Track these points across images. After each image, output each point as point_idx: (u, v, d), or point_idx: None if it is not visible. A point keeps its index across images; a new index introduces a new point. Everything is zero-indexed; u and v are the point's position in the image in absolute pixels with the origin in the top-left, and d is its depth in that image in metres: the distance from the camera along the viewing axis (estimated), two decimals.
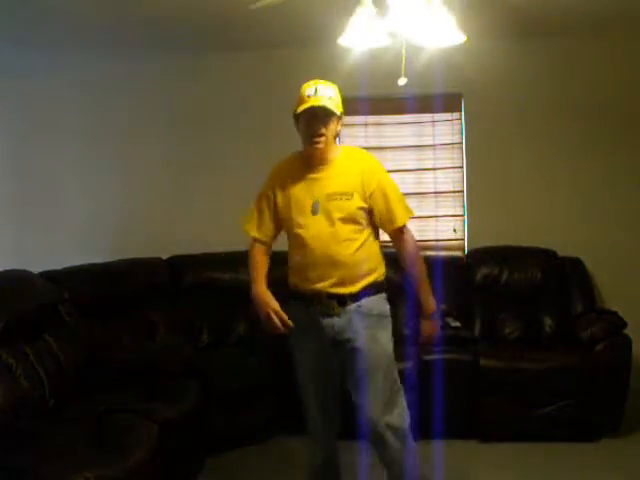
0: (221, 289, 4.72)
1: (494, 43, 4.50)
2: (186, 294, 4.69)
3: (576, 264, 4.61)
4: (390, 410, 2.73)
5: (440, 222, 4.99)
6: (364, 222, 2.73)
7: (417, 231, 4.95)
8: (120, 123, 5.15)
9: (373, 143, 4.97)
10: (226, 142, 5.08)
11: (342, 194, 2.68)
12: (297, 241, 2.75)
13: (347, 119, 4.98)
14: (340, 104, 2.72)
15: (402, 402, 2.80)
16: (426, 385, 3.91)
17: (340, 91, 2.78)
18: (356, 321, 2.68)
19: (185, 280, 4.73)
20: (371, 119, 4.98)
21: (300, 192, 2.74)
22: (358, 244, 2.70)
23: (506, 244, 4.69)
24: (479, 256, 4.72)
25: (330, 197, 2.68)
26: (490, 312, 4.53)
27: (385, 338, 2.77)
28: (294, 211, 2.74)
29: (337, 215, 2.67)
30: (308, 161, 2.76)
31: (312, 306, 2.71)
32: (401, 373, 3.89)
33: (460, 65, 4.15)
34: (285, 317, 2.70)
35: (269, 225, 2.86)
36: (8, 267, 3.70)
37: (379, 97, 4.79)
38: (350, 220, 2.69)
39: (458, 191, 4.97)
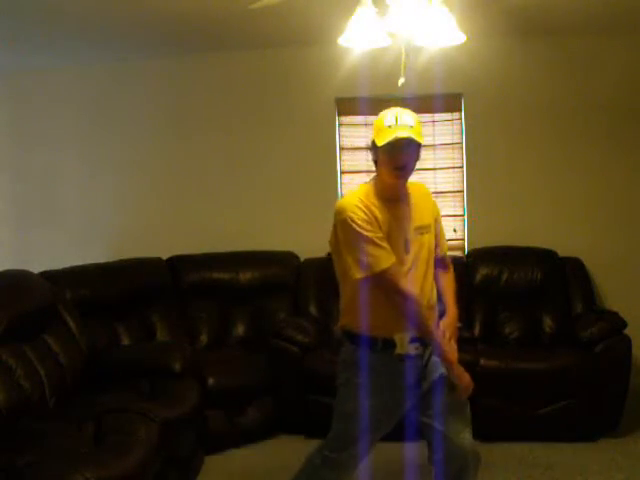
0: (221, 289, 4.72)
1: (494, 43, 4.50)
2: (186, 294, 4.69)
3: (576, 264, 4.60)
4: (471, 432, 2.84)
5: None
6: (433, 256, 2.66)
7: None
8: (120, 123, 5.15)
9: None
10: (226, 142, 5.08)
11: (426, 227, 2.60)
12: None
13: (347, 119, 5.05)
14: (421, 130, 2.50)
15: None
16: None
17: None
18: (432, 358, 2.61)
19: (185, 280, 4.73)
20: (371, 119, 4.95)
21: (390, 227, 2.50)
22: (433, 281, 2.64)
23: (506, 244, 4.69)
24: (479, 256, 4.71)
25: (419, 232, 2.57)
26: (490, 312, 4.53)
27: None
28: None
29: (426, 249, 2.58)
30: (389, 194, 2.53)
31: (389, 350, 2.55)
32: None
33: (460, 65, 4.15)
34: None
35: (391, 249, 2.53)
36: (8, 267, 3.70)
37: (379, 97, 4.78)
38: (433, 256, 2.63)
39: (458, 191, 4.97)
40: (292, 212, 4.88)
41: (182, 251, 4.87)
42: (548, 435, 3.93)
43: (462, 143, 4.93)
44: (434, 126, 4.97)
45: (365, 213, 2.47)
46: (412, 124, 2.45)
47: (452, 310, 2.68)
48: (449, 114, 4.94)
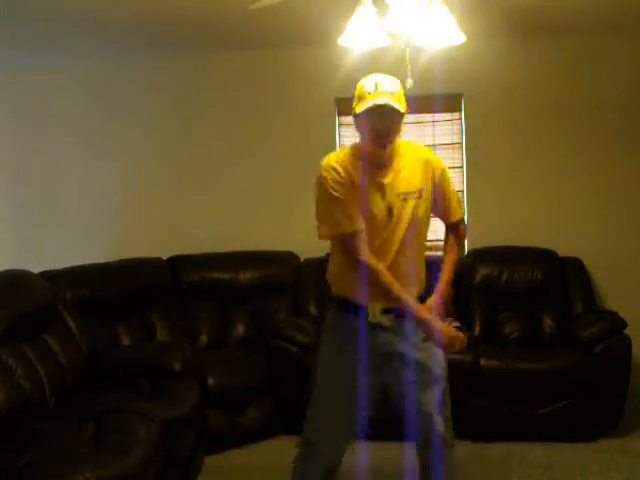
0: (221, 289, 4.72)
1: (494, 43, 4.50)
2: (186, 294, 4.69)
3: (576, 264, 4.60)
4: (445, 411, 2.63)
5: (440, 222, 4.97)
6: (427, 225, 2.63)
7: None
8: (120, 123, 5.15)
9: None
10: (226, 142, 5.08)
11: (414, 192, 2.51)
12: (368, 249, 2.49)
13: (347, 119, 5.04)
14: (403, 98, 2.44)
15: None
16: None
17: (403, 88, 2.50)
18: (411, 332, 2.54)
19: (185, 280, 4.73)
20: None
21: (369, 196, 2.48)
22: (423, 250, 2.61)
23: (506, 244, 4.69)
24: (479, 256, 4.71)
25: (403, 198, 2.50)
26: (490, 312, 4.53)
27: (439, 352, 2.60)
28: (365, 217, 2.48)
29: (413, 216, 2.51)
30: (371, 161, 2.50)
31: (362, 318, 2.53)
32: None
33: (460, 65, 4.15)
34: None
35: (359, 215, 2.49)
36: (8, 267, 3.70)
37: None
38: (424, 218, 2.57)
39: (458, 191, 4.96)
40: (292, 212, 4.87)
41: (182, 251, 4.87)
42: (548, 435, 3.93)
43: (462, 143, 4.93)
44: (434, 126, 4.96)
45: (339, 174, 2.47)
46: (393, 91, 2.41)
47: (440, 287, 2.60)
48: (449, 114, 4.94)
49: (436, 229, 5.07)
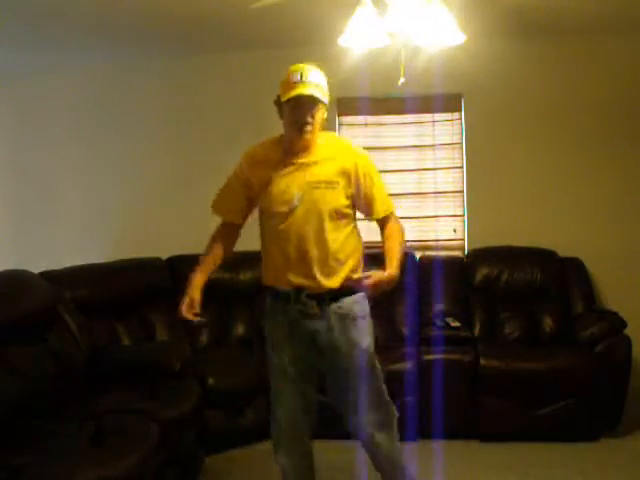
0: (221, 289, 4.72)
1: (494, 43, 4.50)
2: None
3: (576, 264, 4.61)
4: (378, 410, 2.67)
5: (440, 222, 4.99)
6: (348, 213, 2.63)
7: (417, 231, 4.97)
8: (120, 123, 5.16)
9: (373, 143, 4.97)
10: (226, 142, 5.07)
11: (327, 182, 2.57)
12: (275, 233, 2.62)
13: (347, 119, 5.05)
14: (327, 91, 2.59)
15: (388, 400, 2.71)
16: (426, 385, 3.92)
17: (327, 78, 2.64)
18: (336, 323, 2.59)
19: (185, 280, 4.71)
20: (371, 119, 4.99)
21: (281, 180, 2.60)
22: (342, 238, 2.59)
23: (506, 244, 4.69)
24: (479, 256, 4.72)
25: (314, 186, 2.56)
26: (490, 312, 4.53)
27: (366, 340, 2.65)
28: (274, 200, 2.60)
29: (321, 206, 2.56)
30: (290, 148, 2.62)
31: (290, 305, 2.61)
32: (401, 373, 3.95)
33: (460, 65, 4.14)
34: (195, 307, 2.72)
35: (240, 204, 2.75)
36: (8, 267, 3.70)
37: (379, 97, 4.79)
38: (334, 211, 2.57)
39: (458, 191, 4.97)
40: None
41: (182, 251, 4.87)
42: (548, 435, 3.93)
43: (462, 143, 4.93)
44: (434, 126, 4.97)
45: (249, 158, 2.72)
46: (318, 82, 2.53)
47: (387, 268, 2.58)
48: (449, 114, 4.94)
49: (437, 228, 5.13)
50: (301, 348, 2.65)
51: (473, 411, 3.99)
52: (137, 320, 4.39)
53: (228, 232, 2.88)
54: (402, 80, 2.72)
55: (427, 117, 4.95)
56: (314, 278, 2.57)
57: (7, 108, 5.29)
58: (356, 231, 2.71)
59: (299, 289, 2.59)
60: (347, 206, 2.61)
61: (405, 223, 5.20)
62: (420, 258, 4.77)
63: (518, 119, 4.81)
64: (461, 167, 4.94)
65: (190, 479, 3.51)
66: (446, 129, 4.97)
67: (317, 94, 2.51)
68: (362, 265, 2.68)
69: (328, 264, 2.57)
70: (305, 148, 2.61)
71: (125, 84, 5.12)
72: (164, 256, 4.79)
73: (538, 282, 4.53)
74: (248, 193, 2.71)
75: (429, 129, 4.97)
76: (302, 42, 4.59)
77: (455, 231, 4.99)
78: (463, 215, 4.97)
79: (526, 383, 3.96)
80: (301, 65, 2.56)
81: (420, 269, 4.64)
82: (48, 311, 3.59)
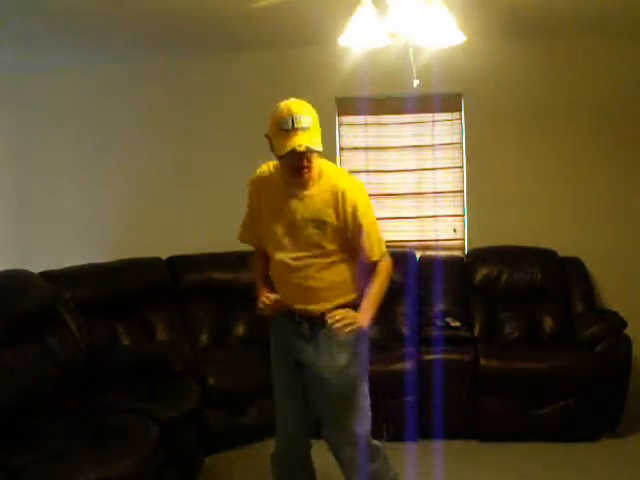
0: (221, 289, 4.72)
1: (494, 43, 4.50)
2: (186, 294, 4.69)
3: (576, 264, 4.61)
4: (346, 430, 2.67)
5: (440, 222, 4.99)
6: (335, 250, 2.60)
7: (417, 231, 4.97)
8: (120, 123, 5.15)
9: (373, 143, 4.97)
10: (226, 142, 5.08)
11: (316, 221, 2.56)
12: (273, 259, 2.70)
13: (347, 119, 5.04)
14: (318, 127, 2.50)
15: (360, 414, 2.68)
16: (426, 385, 3.92)
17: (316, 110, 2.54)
18: (324, 347, 2.62)
19: (185, 280, 4.73)
20: (371, 119, 4.99)
21: (277, 213, 2.63)
22: (331, 274, 2.60)
23: (506, 244, 4.69)
24: (479, 256, 4.72)
25: (304, 222, 2.57)
26: (490, 312, 4.53)
27: (350, 363, 2.64)
28: (271, 231, 2.65)
29: (306, 241, 2.57)
30: (287, 181, 2.62)
31: (290, 323, 2.69)
32: (401, 373, 3.96)
33: (460, 65, 4.15)
34: (271, 299, 2.66)
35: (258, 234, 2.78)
36: (8, 267, 3.70)
37: (379, 97, 4.79)
38: (317, 246, 2.57)
39: (458, 191, 4.97)
40: None
41: (182, 251, 4.87)
42: (548, 435, 3.93)
43: (462, 143, 4.93)
44: (434, 126, 4.97)
45: (253, 190, 2.74)
46: (309, 125, 2.44)
47: (359, 313, 2.57)
48: (449, 114, 4.94)
49: (436, 228, 5.13)
50: (293, 363, 2.73)
51: (473, 411, 3.99)
52: (137, 320, 4.40)
53: (260, 253, 2.84)
54: (417, 82, 2.71)
55: (427, 117, 4.95)
56: (305, 304, 2.63)
57: (7, 108, 5.28)
58: (348, 261, 2.65)
59: (293, 310, 2.66)
60: (334, 245, 2.59)
61: (405, 223, 5.19)
62: (420, 258, 4.77)
63: (518, 119, 4.80)
64: (461, 167, 4.94)
65: (190, 479, 3.52)
66: (446, 129, 4.97)
67: (312, 145, 2.43)
68: (355, 294, 2.65)
69: (317, 295, 2.61)
70: (305, 182, 2.58)
71: (125, 84, 5.12)
72: (164, 256, 4.79)
73: (538, 282, 4.53)
74: (256, 217, 2.77)
75: (429, 129, 4.97)
76: (302, 42, 4.60)
77: (455, 231, 4.99)
78: (463, 215, 4.97)
79: (526, 383, 3.96)
80: (289, 105, 2.49)
81: (420, 269, 4.65)
82: (48, 311, 3.59)
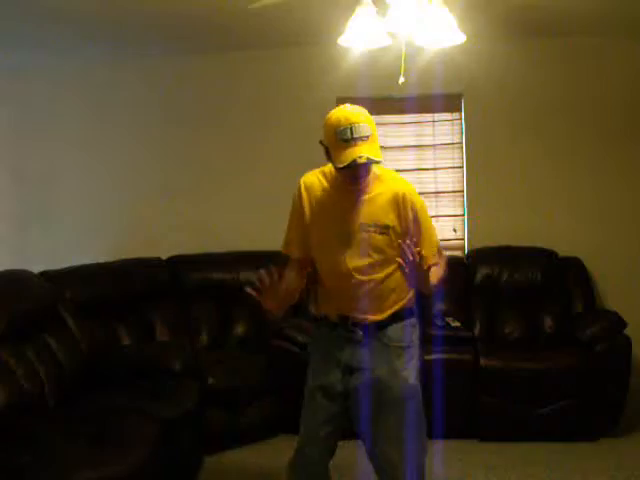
0: (221, 289, 4.72)
1: (494, 43, 4.50)
2: (186, 294, 4.69)
3: (576, 264, 4.61)
4: (411, 448, 2.56)
5: (440, 222, 4.98)
6: (395, 253, 2.50)
7: None
8: (120, 122, 5.15)
9: None
10: (226, 142, 5.08)
11: (376, 226, 2.49)
12: (325, 266, 2.59)
13: None
14: (376, 134, 2.39)
15: (423, 437, 2.62)
16: (426, 385, 3.91)
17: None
18: (377, 351, 2.55)
19: (185, 280, 4.73)
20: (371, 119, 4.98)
21: (333, 219, 2.53)
22: (386, 275, 2.54)
23: (506, 244, 4.69)
24: (479, 256, 4.72)
25: (363, 228, 2.49)
26: (490, 312, 4.53)
27: (409, 369, 2.59)
28: (327, 238, 2.54)
29: (369, 247, 2.50)
30: (342, 186, 2.51)
31: (335, 331, 2.59)
32: None
33: (460, 65, 4.15)
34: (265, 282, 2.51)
35: (305, 243, 2.62)
36: (8, 267, 3.70)
37: (379, 97, 4.78)
38: (381, 252, 2.50)
39: (458, 191, 4.97)
40: None
41: (182, 251, 4.87)
42: (548, 435, 3.93)
43: (462, 143, 4.93)
44: (434, 126, 4.97)
45: (302, 196, 2.56)
46: (368, 134, 2.35)
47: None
48: (449, 114, 4.95)
49: (437, 228, 5.12)
50: (339, 373, 2.59)
51: (473, 411, 3.99)
52: (137, 320, 4.40)
53: (296, 270, 2.69)
54: (402, 79, 2.70)
55: (427, 117, 4.95)
56: (361, 313, 2.55)
57: (7, 108, 5.28)
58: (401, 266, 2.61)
59: (345, 317, 2.57)
60: (393, 246, 2.50)
61: None
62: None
63: (518, 119, 4.81)
64: (461, 167, 4.94)
65: (190, 479, 3.51)
66: (446, 129, 4.97)
67: (373, 156, 2.33)
68: (411, 294, 2.63)
69: (375, 303, 2.54)
70: (363, 188, 2.50)
71: (125, 84, 5.12)
72: (164, 256, 4.79)
73: (538, 282, 4.53)
74: (306, 224, 2.60)
75: (429, 129, 4.97)
76: (302, 42, 4.60)
77: (455, 231, 4.99)
78: (463, 215, 4.97)
79: (526, 383, 3.96)
80: (347, 114, 2.37)
81: None
82: (48, 311, 3.59)
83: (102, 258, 4.60)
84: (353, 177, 2.44)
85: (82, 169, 5.24)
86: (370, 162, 2.36)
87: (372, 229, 2.50)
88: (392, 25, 2.57)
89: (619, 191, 4.74)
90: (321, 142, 2.45)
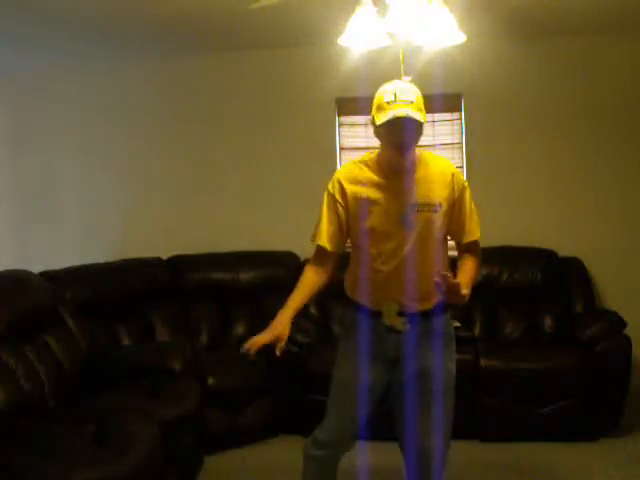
0: (221, 289, 4.72)
1: (494, 43, 4.50)
2: (186, 294, 4.69)
3: (576, 264, 4.60)
4: (444, 438, 2.56)
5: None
6: (444, 236, 2.56)
7: None
8: (120, 123, 5.15)
9: (373, 143, 4.95)
10: (226, 142, 5.09)
11: (430, 205, 2.48)
12: (372, 254, 2.52)
13: (347, 119, 5.04)
14: (422, 105, 2.43)
15: (451, 429, 2.61)
16: None
17: (419, 89, 2.47)
18: (424, 341, 2.53)
19: (185, 280, 4.73)
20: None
21: (384, 200, 2.48)
22: (439, 259, 2.54)
23: (506, 244, 4.69)
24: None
25: (417, 208, 2.47)
26: (490, 312, 4.53)
27: (452, 361, 2.60)
28: (376, 221, 2.49)
29: (426, 228, 2.48)
30: (388, 167, 2.51)
31: (377, 319, 2.54)
32: None
33: (460, 65, 4.14)
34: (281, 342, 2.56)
35: (342, 237, 2.59)
36: (8, 267, 3.70)
37: None
38: (437, 233, 2.51)
39: None
40: (292, 212, 4.87)
41: (182, 251, 4.87)
42: (548, 435, 3.93)
43: (462, 143, 4.93)
44: (434, 126, 4.96)
45: (340, 190, 2.53)
46: (412, 99, 2.38)
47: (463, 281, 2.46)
48: (449, 114, 4.94)
49: None
50: (378, 362, 2.57)
51: (473, 411, 3.99)
52: (137, 320, 4.40)
53: (322, 267, 2.62)
54: (405, 79, 2.70)
55: (427, 117, 4.93)
56: (410, 300, 2.52)
57: (7, 108, 5.28)
58: (447, 251, 2.67)
59: (390, 306, 2.53)
60: (443, 232, 2.55)
61: None
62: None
63: (518, 119, 4.80)
64: (461, 167, 4.94)
65: (190, 479, 3.52)
66: (446, 129, 4.97)
67: (412, 114, 2.35)
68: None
69: (426, 288, 2.49)
70: (407, 168, 2.49)
71: (125, 85, 5.12)
72: (164, 256, 4.79)
73: (538, 282, 4.53)
74: (346, 226, 2.58)
75: (429, 129, 4.96)
76: (302, 42, 4.60)
77: None
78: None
79: (526, 383, 3.96)
80: (393, 82, 2.43)
81: None
82: (48, 311, 3.60)
83: (102, 258, 4.60)
84: (395, 144, 2.42)
85: (82, 169, 5.25)
86: (411, 120, 2.35)
87: (426, 208, 2.49)
88: (392, 25, 2.57)
89: (619, 191, 4.74)
90: (371, 120, 2.47)
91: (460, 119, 4.92)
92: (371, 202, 2.50)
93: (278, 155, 5.01)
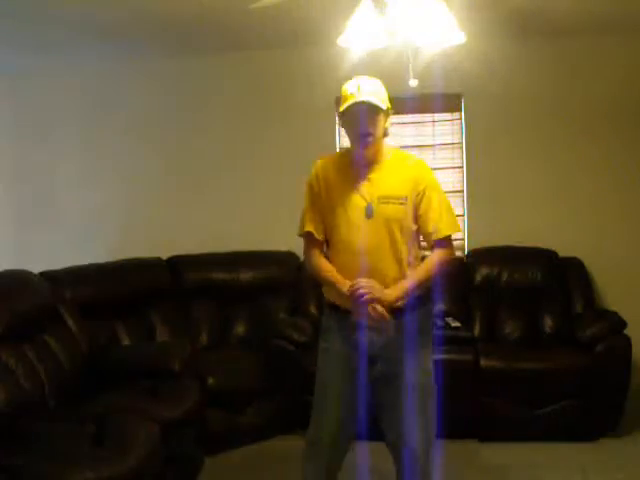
0: (221, 289, 4.72)
1: (494, 43, 4.49)
2: (186, 294, 4.69)
3: (576, 264, 4.60)
4: (421, 432, 2.59)
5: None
6: (415, 228, 2.57)
7: None
8: (120, 123, 5.15)
9: None
10: (226, 142, 5.09)
11: (396, 197, 2.52)
12: (341, 246, 2.58)
13: None
14: (387, 98, 2.51)
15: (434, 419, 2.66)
16: None
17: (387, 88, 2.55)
18: (396, 338, 2.53)
19: (185, 280, 4.73)
20: None
21: (350, 193, 2.54)
22: (407, 252, 2.55)
23: (506, 244, 4.69)
24: (479, 256, 4.71)
25: (383, 200, 2.52)
26: (490, 312, 4.53)
27: (426, 356, 2.62)
28: (343, 214, 2.55)
29: (393, 220, 2.51)
30: (357, 161, 2.57)
31: (349, 317, 2.55)
32: None
33: (460, 65, 4.15)
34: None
35: (322, 224, 2.63)
36: (8, 267, 3.70)
37: None
38: (404, 225, 2.53)
39: (458, 191, 4.97)
40: (292, 212, 4.86)
41: (182, 251, 4.87)
42: (548, 435, 3.93)
43: (462, 143, 4.93)
44: (434, 126, 4.97)
45: (316, 177, 2.63)
46: (375, 90, 2.48)
47: (396, 285, 2.51)
48: (449, 114, 4.95)
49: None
50: (353, 364, 2.57)
51: (473, 411, 3.99)
52: (137, 320, 4.40)
53: (319, 250, 2.68)
54: (413, 82, 2.71)
55: (427, 117, 4.95)
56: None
57: (7, 109, 5.28)
58: (419, 245, 2.65)
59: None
60: (413, 220, 2.56)
61: None
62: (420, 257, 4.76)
63: (518, 119, 4.81)
64: (461, 167, 4.94)
65: (190, 479, 3.52)
66: (446, 129, 4.97)
67: (374, 101, 2.43)
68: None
69: (395, 279, 2.51)
70: (373, 160, 2.55)
71: (124, 84, 5.12)
72: (164, 256, 4.79)
73: (538, 282, 4.53)
74: (323, 215, 2.63)
75: (429, 129, 4.97)
76: (302, 42, 4.59)
77: None
78: (463, 215, 4.96)
79: (526, 383, 3.96)
80: (357, 77, 2.53)
81: None
82: (48, 311, 3.60)
83: (102, 258, 4.60)
84: (358, 135, 2.48)
85: (82, 169, 5.25)
86: (370, 106, 2.43)
87: (393, 200, 2.53)
88: (392, 25, 2.57)
89: (619, 191, 4.74)
90: (338, 115, 2.60)
91: (460, 119, 4.92)
92: (338, 194, 2.58)
93: (278, 155, 5.01)
